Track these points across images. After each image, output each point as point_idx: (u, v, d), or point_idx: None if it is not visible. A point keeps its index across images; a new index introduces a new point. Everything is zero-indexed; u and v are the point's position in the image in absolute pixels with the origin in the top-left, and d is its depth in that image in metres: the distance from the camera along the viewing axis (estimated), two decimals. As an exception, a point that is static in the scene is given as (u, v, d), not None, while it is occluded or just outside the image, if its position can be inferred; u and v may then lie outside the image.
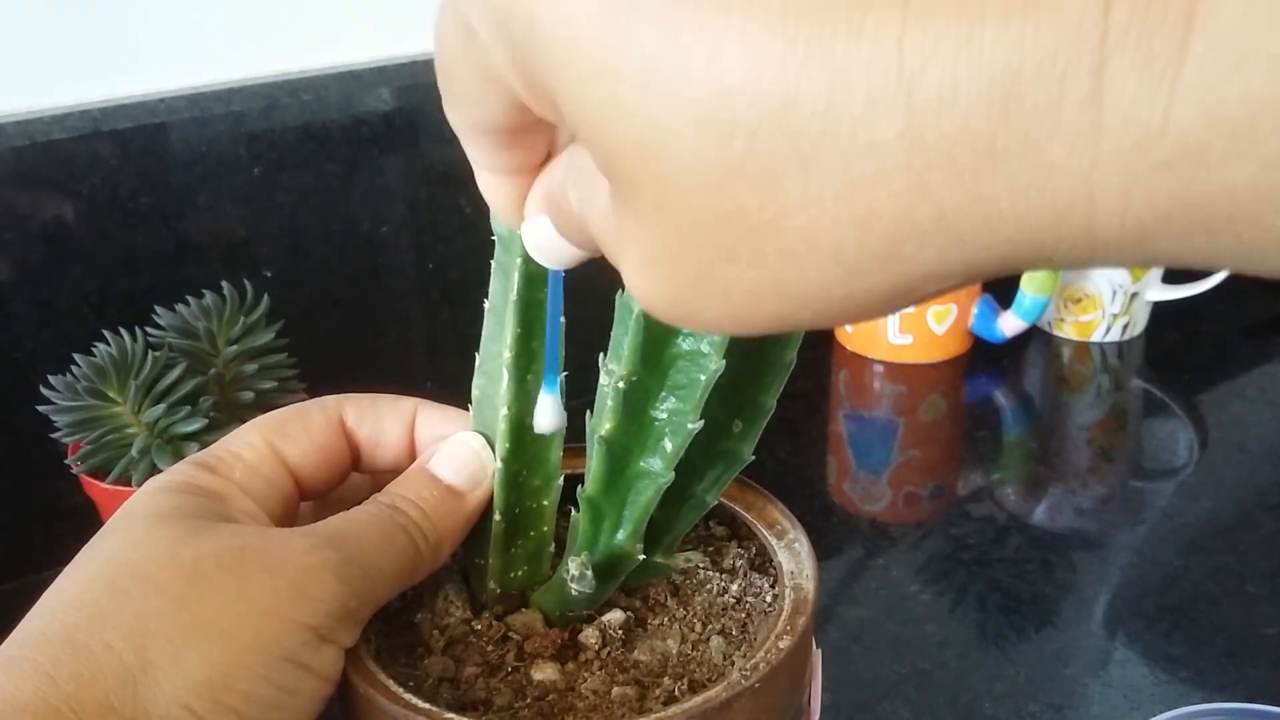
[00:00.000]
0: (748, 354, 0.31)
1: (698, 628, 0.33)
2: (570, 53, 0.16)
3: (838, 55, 0.14)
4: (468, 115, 0.21)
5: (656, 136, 0.15)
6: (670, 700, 0.30)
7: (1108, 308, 0.79)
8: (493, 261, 0.31)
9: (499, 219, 0.24)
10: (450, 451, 0.32)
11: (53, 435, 0.49)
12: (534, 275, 0.31)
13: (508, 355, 0.31)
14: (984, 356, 0.79)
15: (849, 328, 0.80)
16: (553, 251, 0.23)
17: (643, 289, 0.18)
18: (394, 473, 0.32)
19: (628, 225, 0.17)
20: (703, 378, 0.29)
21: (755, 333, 0.18)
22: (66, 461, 0.50)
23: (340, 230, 0.62)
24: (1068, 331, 0.81)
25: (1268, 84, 0.11)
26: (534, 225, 0.23)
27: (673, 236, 0.17)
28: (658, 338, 0.28)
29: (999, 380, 0.78)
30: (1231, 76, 0.12)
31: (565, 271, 0.25)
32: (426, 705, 0.28)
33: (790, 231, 0.15)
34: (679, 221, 0.16)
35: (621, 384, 0.29)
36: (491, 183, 0.23)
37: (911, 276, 0.15)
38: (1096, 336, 0.81)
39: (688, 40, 0.15)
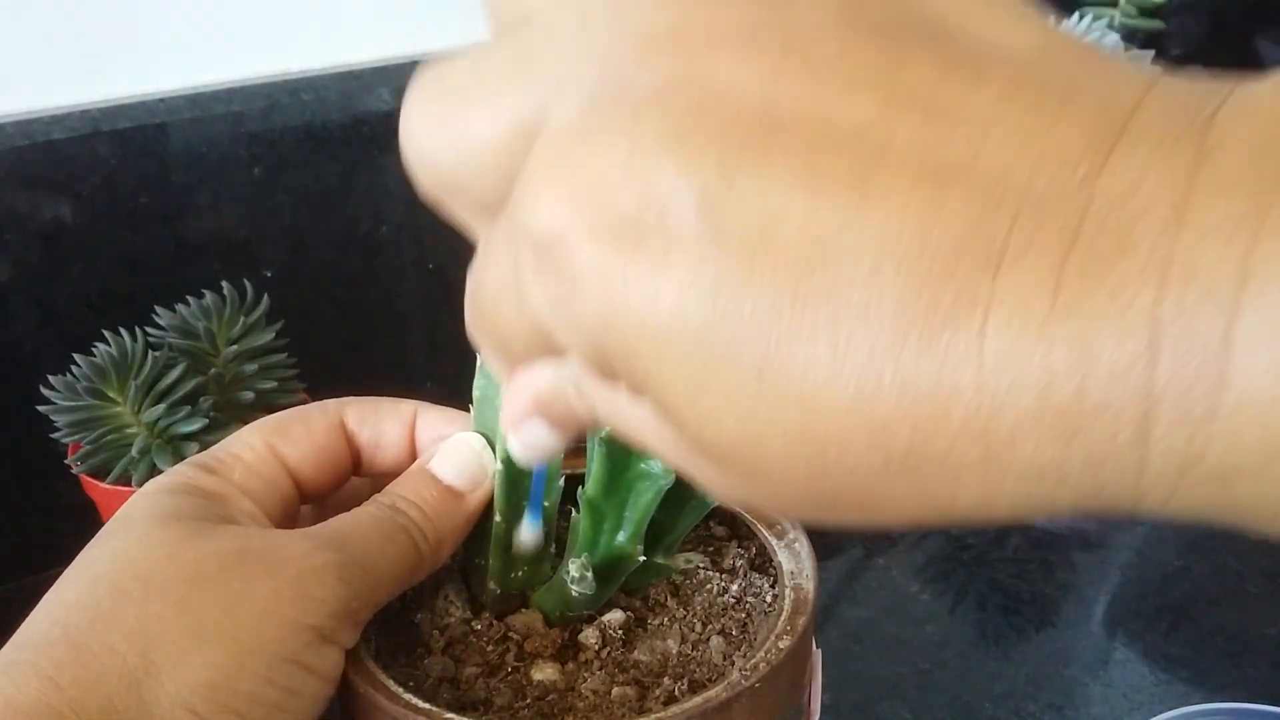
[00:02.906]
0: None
1: (698, 628, 0.33)
2: (676, 365, 0.16)
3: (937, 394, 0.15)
4: (501, 355, 0.20)
5: (755, 448, 0.16)
6: (670, 700, 0.30)
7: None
8: None
9: (505, 423, 0.22)
10: (450, 452, 0.32)
11: (53, 435, 0.49)
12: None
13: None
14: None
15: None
16: (545, 448, 0.22)
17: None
18: (394, 475, 0.32)
19: (695, 461, 0.18)
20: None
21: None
22: (66, 461, 0.50)
23: (340, 230, 0.62)
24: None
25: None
26: (527, 431, 0.21)
27: (754, 492, 0.18)
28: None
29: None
30: (1254, 427, 0.14)
31: None
32: (426, 705, 0.28)
33: (866, 517, 0.17)
34: (763, 491, 0.17)
35: (622, 385, 0.29)
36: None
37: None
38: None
39: (784, 378, 0.16)
